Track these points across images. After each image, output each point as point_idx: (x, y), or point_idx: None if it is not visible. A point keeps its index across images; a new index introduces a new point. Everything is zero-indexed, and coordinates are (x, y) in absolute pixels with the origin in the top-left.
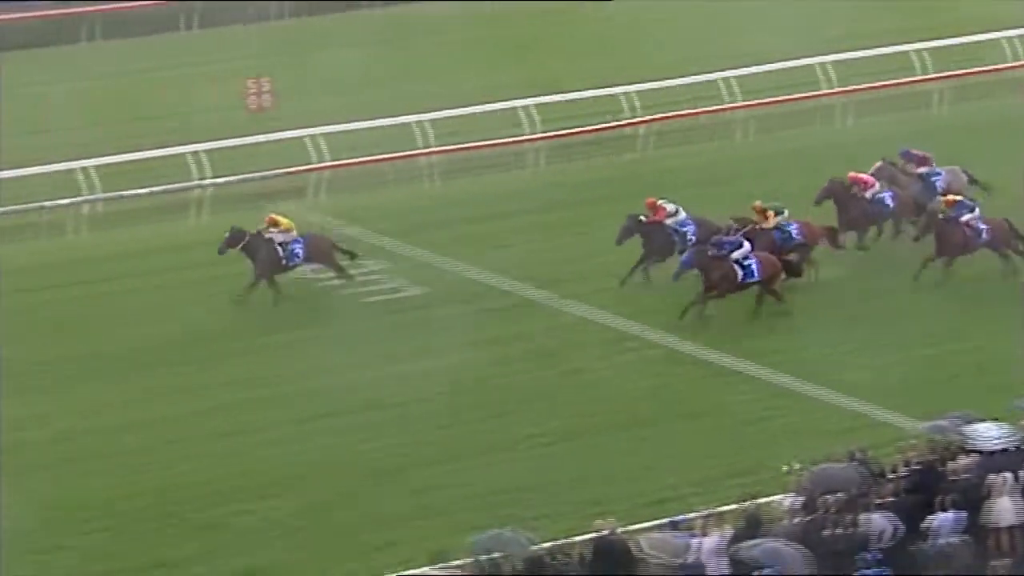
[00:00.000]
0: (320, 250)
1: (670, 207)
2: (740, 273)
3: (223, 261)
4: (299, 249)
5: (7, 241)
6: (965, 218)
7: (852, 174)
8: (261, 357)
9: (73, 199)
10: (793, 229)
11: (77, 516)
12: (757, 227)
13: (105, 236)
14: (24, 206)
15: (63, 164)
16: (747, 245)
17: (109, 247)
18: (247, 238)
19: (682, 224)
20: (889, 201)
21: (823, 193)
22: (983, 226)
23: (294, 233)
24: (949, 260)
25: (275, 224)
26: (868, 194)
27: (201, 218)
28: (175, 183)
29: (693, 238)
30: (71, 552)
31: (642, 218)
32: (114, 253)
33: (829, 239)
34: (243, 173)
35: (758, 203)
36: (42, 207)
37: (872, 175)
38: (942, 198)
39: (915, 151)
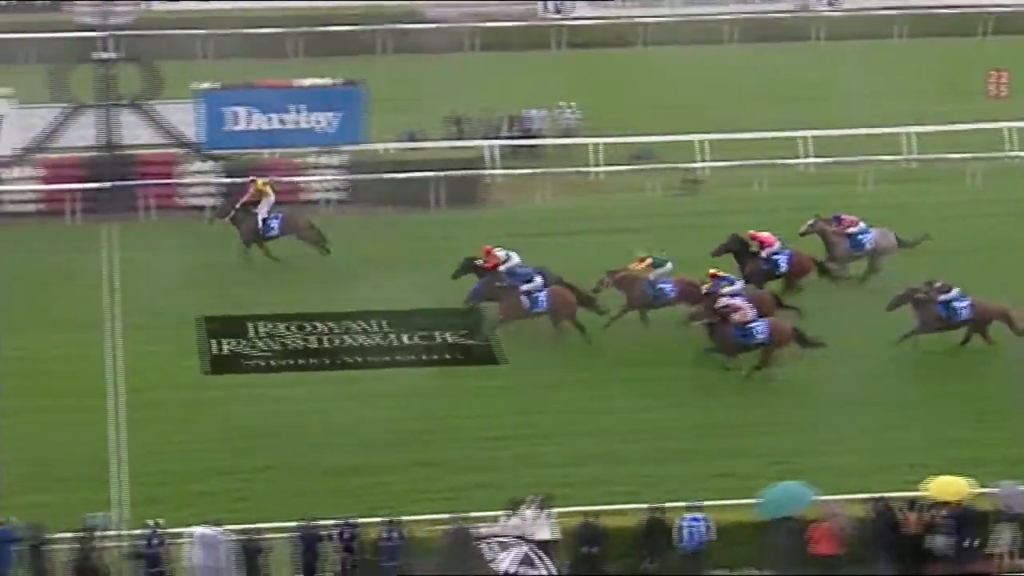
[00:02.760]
0: (296, 225)
1: (501, 254)
2: (527, 303)
3: None
4: (275, 224)
5: None
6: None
7: (753, 232)
8: None
9: None
10: (667, 286)
11: None
12: (628, 275)
13: None
14: None
15: None
16: (539, 279)
17: None
18: (233, 212)
19: (509, 271)
20: (783, 263)
21: (721, 247)
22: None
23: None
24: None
25: (260, 193)
26: (765, 253)
27: None
28: None
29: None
30: None
31: (478, 262)
32: None
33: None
34: None
35: (641, 253)
36: None
37: (805, 230)
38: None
39: (846, 216)
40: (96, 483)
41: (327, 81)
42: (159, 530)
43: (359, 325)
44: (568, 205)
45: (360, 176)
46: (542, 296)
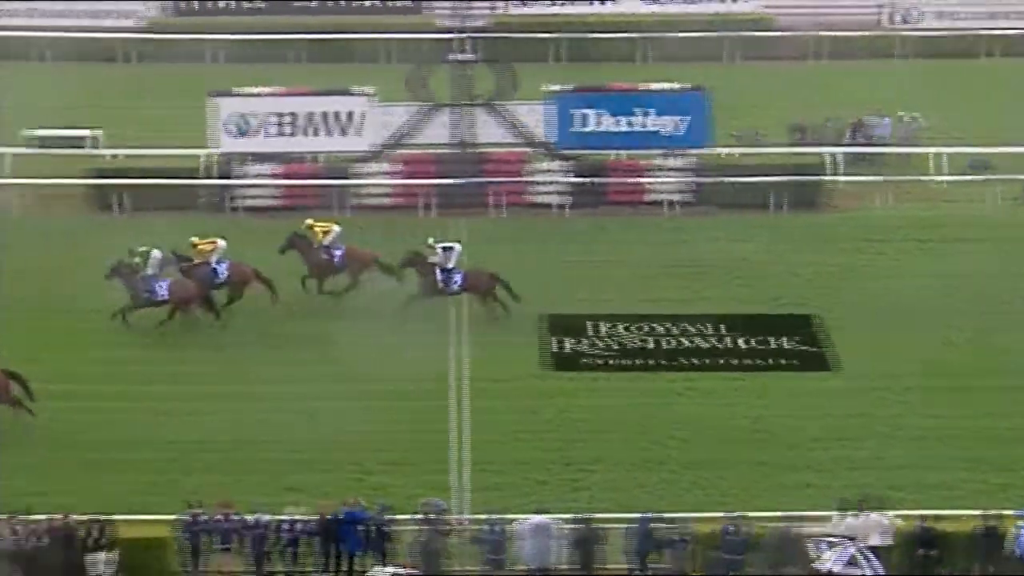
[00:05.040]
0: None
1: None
2: None
3: None
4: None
5: None
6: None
7: None
8: None
9: None
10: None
11: None
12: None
13: None
14: None
15: None
16: None
17: None
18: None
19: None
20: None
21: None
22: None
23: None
24: None
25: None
26: None
27: None
28: None
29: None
30: None
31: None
32: None
33: None
34: None
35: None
36: None
37: None
38: None
39: None
40: (438, 468)
41: (674, 85)
42: (497, 516)
43: (696, 328)
44: (908, 213)
45: (703, 179)
46: None
